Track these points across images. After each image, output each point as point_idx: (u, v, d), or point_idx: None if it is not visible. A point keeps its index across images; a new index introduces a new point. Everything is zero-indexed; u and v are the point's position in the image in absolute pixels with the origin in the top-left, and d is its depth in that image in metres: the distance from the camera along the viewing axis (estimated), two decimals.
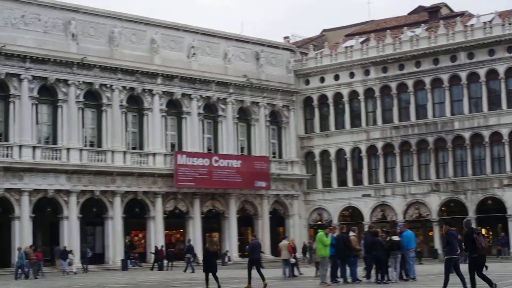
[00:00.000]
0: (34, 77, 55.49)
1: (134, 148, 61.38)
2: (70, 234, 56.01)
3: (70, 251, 53.10)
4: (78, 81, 57.60)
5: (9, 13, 54.98)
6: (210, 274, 28.77)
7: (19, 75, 54.73)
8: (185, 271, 50.39)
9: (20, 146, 54.29)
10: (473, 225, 24.06)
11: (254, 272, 29.49)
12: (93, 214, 58.86)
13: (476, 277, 21.21)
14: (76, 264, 53.24)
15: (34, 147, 54.98)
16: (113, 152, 59.01)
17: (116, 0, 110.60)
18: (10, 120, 54.48)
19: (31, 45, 55.36)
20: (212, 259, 29.15)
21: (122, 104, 60.10)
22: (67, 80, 57.03)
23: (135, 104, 61.58)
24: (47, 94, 56.77)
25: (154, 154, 61.50)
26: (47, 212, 56.65)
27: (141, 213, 61.50)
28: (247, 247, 37.30)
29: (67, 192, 56.31)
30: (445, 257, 22.87)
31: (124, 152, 59.79)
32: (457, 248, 22.89)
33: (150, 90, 61.88)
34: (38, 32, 56.25)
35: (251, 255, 30.90)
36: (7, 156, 53.66)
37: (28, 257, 47.09)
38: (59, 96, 56.84)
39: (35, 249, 49.29)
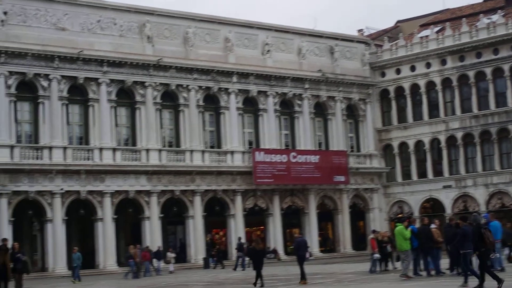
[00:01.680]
0: (112, 81, 55.51)
1: (212, 147, 60.94)
2: (152, 234, 55.91)
3: (169, 250, 52.99)
4: (155, 83, 57.44)
5: (85, 18, 55.12)
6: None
7: (97, 79, 54.83)
8: (235, 269, 49.92)
9: (101, 149, 54.39)
10: (481, 221, 23.86)
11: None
12: (174, 213, 58.66)
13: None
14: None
15: (114, 149, 55.01)
16: (191, 151, 58.65)
17: (189, 1, 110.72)
18: (90, 123, 54.63)
19: (107, 49, 55.40)
20: (260, 257, 30.10)
21: (199, 104, 59.70)
22: (144, 82, 56.92)
23: (211, 103, 61.10)
24: (125, 96, 56.75)
25: (232, 152, 60.92)
26: (129, 213, 56.73)
27: (221, 211, 61.03)
28: (293, 244, 37.82)
29: (148, 193, 56.22)
30: (461, 252, 23.12)
31: (203, 151, 59.38)
32: (469, 242, 22.64)
33: (226, 89, 61.31)
34: (114, 36, 56.27)
35: (298, 252, 31.04)
36: (88, 159, 53.83)
37: (133, 257, 46.92)
38: (136, 98, 56.76)
39: (143, 249, 49.38)
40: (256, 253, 30.63)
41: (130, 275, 46.33)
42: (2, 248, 28.03)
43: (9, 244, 31.08)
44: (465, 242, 22.79)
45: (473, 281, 22.31)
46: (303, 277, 29.76)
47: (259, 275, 29.56)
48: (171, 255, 52.52)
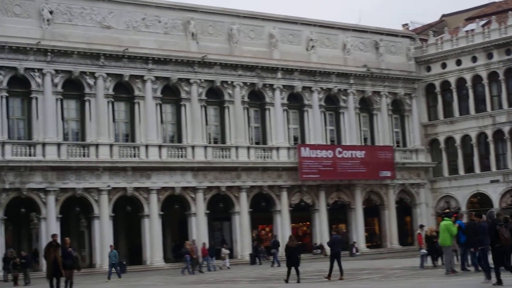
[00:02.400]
0: (157, 78, 55.08)
1: (257, 143, 60.20)
2: (199, 230, 55.39)
3: (224, 246, 52.52)
4: (200, 80, 56.89)
5: (130, 16, 54.77)
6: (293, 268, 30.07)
7: (142, 76, 54.45)
8: (272, 265, 49.33)
9: (147, 146, 54.00)
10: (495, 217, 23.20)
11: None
12: (220, 209, 58.00)
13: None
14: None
15: (160, 146, 54.59)
16: (237, 148, 57.99)
17: None
18: (136, 120, 54.27)
19: (152, 46, 55.01)
20: (295, 254, 30.56)
21: (243, 100, 59.00)
22: (189, 79, 56.40)
23: (256, 99, 60.36)
24: (170, 93, 56.28)
25: (277, 148, 60.09)
26: (175, 209, 56.24)
27: (267, 207, 60.22)
28: (328, 241, 38.00)
29: (194, 189, 55.69)
30: (479, 249, 23.15)
31: (248, 148, 58.66)
32: (486, 239, 22.42)
33: (271, 85, 60.52)
34: (158, 34, 55.83)
35: (333, 249, 31.25)
36: (134, 156, 53.49)
37: (189, 253, 46.39)
38: (181, 95, 56.26)
39: (202, 244, 49.05)
40: (289, 250, 30.96)
41: (186, 271, 45.68)
42: (52, 244, 27.34)
43: (59, 239, 30.68)
44: (484, 238, 22.55)
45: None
46: (331, 273, 30.05)
47: (292, 272, 30.05)
48: (225, 251, 51.96)
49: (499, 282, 21.01)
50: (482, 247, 22.79)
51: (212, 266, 48.66)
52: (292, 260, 30.49)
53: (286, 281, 29.95)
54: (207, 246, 49.47)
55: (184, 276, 43.91)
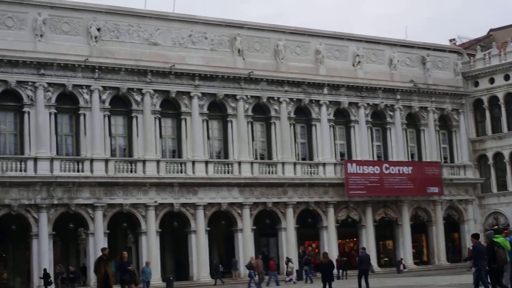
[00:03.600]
0: (204, 94, 54.38)
1: (304, 159, 59.09)
2: (245, 246, 54.43)
3: (290, 261, 51.63)
4: (246, 96, 56.07)
5: (177, 33, 54.24)
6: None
7: (189, 92, 53.81)
8: (305, 282, 48.94)
9: (193, 162, 53.26)
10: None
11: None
12: (267, 225, 56.90)
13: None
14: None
15: (206, 162, 53.81)
16: (283, 163, 56.94)
17: (280, 13, 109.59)
18: (183, 136, 53.62)
19: (199, 63, 54.37)
20: (328, 270, 31.86)
21: (290, 116, 57.99)
22: (235, 95, 55.63)
23: (303, 115, 59.30)
24: (217, 109, 55.52)
25: (324, 164, 58.90)
26: (221, 225, 55.36)
27: (313, 223, 58.97)
28: (357, 259, 38.86)
29: (240, 205, 54.77)
30: (475, 268, 23.57)
31: (294, 163, 57.59)
32: (482, 260, 22.85)
33: (317, 101, 59.42)
34: (205, 50, 55.18)
35: (360, 266, 32.05)
36: (181, 172, 52.77)
37: (254, 268, 45.51)
38: (228, 111, 55.48)
39: (270, 258, 48.54)
40: (322, 267, 32.28)
41: (253, 286, 44.67)
42: (102, 258, 25.99)
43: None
44: (479, 259, 22.95)
45: None
46: None
47: (326, 287, 31.43)
48: (292, 265, 50.95)
49: None
50: (478, 268, 23.12)
51: (277, 281, 47.88)
52: (326, 276, 31.54)
53: None
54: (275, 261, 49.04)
55: None
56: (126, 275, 27.59)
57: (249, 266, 45.95)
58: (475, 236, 24.22)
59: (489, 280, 22.76)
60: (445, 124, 67.28)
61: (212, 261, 54.01)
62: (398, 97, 63.66)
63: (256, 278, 45.50)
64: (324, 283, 31.43)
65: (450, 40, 79.11)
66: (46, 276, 45.62)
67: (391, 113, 63.37)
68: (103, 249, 27.20)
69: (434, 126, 65.77)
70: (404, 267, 59.36)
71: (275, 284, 47.39)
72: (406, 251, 62.07)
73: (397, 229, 62.81)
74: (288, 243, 56.36)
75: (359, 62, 62.32)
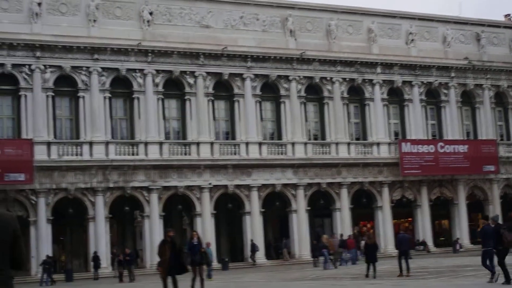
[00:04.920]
0: (256, 76, 53.54)
1: (357, 139, 57.92)
2: (300, 227, 53.69)
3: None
4: (299, 76, 55.06)
5: (229, 15, 53.45)
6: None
7: (241, 74, 53.03)
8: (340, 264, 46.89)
9: (247, 144, 52.56)
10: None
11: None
12: (321, 206, 56.00)
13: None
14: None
15: (260, 144, 53.06)
16: (337, 144, 55.90)
17: None
18: (236, 118, 52.93)
19: (251, 44, 53.51)
20: (372, 251, 31.70)
21: (343, 96, 56.82)
22: (288, 76, 54.66)
23: (356, 95, 58.06)
24: (269, 91, 54.66)
25: (378, 144, 57.66)
26: (276, 206, 54.62)
27: (368, 203, 57.86)
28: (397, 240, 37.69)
29: (294, 186, 53.94)
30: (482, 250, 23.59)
31: (348, 143, 56.49)
32: (490, 241, 22.94)
33: (370, 80, 58.11)
34: (257, 31, 54.29)
35: (400, 247, 31.75)
36: (235, 154, 52.14)
37: (327, 247, 44.87)
38: (281, 92, 54.57)
39: (354, 236, 47.87)
40: (368, 247, 32.35)
41: (328, 265, 44.00)
42: (167, 240, 24.28)
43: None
44: (485, 240, 23.15)
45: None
46: (402, 271, 30.39)
47: (370, 268, 31.06)
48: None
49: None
50: (484, 249, 23.24)
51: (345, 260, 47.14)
52: (370, 257, 31.40)
53: (367, 275, 30.69)
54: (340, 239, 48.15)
55: (327, 270, 41.94)
56: (197, 256, 26.42)
57: (322, 246, 45.28)
58: (485, 218, 24.71)
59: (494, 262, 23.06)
60: (501, 101, 65.28)
61: (269, 242, 53.51)
62: (453, 74, 61.89)
63: (331, 257, 44.72)
64: (368, 264, 31.30)
65: (505, 16, 76.61)
66: (96, 258, 45.66)
67: (445, 91, 61.67)
68: (168, 231, 25.97)
69: (490, 104, 63.84)
70: (461, 247, 57.95)
71: (350, 263, 46.41)
72: (462, 231, 60.58)
73: (453, 208, 61.29)
74: (343, 224, 55.39)
75: (412, 40, 60.73)
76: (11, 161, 44.41)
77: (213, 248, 49.37)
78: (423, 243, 57.38)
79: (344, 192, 55.73)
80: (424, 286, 26.33)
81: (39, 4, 47.14)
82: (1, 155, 44.38)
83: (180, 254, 24.00)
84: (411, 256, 34.80)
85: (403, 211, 60.25)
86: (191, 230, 30.28)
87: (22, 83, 46.66)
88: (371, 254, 31.54)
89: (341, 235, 50.24)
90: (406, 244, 31.91)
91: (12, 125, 47.17)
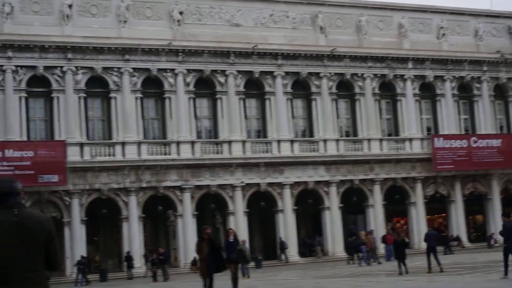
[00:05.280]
0: (287, 73, 52.74)
1: (389, 135, 56.87)
2: (333, 224, 52.84)
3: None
4: (330, 73, 54.15)
5: (259, 13, 52.70)
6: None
7: (272, 72, 52.26)
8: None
9: (279, 141, 51.80)
10: None
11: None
12: (354, 203, 55.06)
13: None
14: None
15: (291, 141, 52.28)
16: (369, 140, 54.92)
17: None
18: (267, 116, 52.18)
19: (281, 42, 52.71)
20: (401, 248, 31.60)
21: (374, 92, 55.80)
22: (318, 73, 53.78)
23: (387, 91, 56.98)
24: (301, 88, 53.83)
25: (410, 139, 56.55)
26: (308, 204, 53.80)
27: (401, 199, 56.81)
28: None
29: (327, 183, 53.08)
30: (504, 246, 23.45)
31: (380, 140, 55.47)
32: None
33: (402, 75, 56.99)
34: (287, 29, 53.49)
35: (428, 243, 31.44)
36: (266, 152, 51.42)
37: (366, 244, 44.24)
38: (312, 89, 53.70)
39: (388, 232, 46.61)
40: (395, 244, 32.45)
41: (363, 262, 43.21)
42: (204, 238, 23.30)
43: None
44: (508, 237, 22.89)
45: None
46: (431, 267, 29.93)
47: (401, 264, 30.81)
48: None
49: None
50: (506, 245, 23.10)
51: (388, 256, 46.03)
52: (398, 254, 31.47)
53: (400, 273, 30.31)
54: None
55: (361, 267, 41.38)
56: (233, 254, 25.63)
57: (361, 242, 44.48)
58: (506, 215, 24.17)
59: None
60: None
61: (300, 240, 52.81)
62: (485, 68, 60.52)
63: (366, 254, 43.96)
64: (398, 261, 31.28)
65: None
66: (128, 258, 45.31)
67: (478, 85, 60.33)
68: (204, 228, 25.00)
69: None
70: (495, 242, 56.55)
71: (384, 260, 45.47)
72: (496, 226, 59.07)
73: (486, 203, 59.96)
74: (376, 220, 54.43)
75: (443, 34, 59.48)
76: (44, 163, 44.15)
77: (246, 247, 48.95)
78: (457, 239, 56.22)
79: (377, 189, 54.77)
80: (459, 281, 25.56)
81: (70, 6, 46.80)
82: (35, 157, 44.13)
83: (219, 252, 23.35)
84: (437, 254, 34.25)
85: (437, 207, 59.07)
86: (226, 228, 29.40)
87: (54, 85, 46.36)
88: (399, 251, 31.54)
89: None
90: (434, 240, 31.74)
91: (45, 127, 46.90)
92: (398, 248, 31.90)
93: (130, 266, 45.42)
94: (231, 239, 26.08)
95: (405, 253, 31.49)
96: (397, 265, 31.29)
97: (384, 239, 46.21)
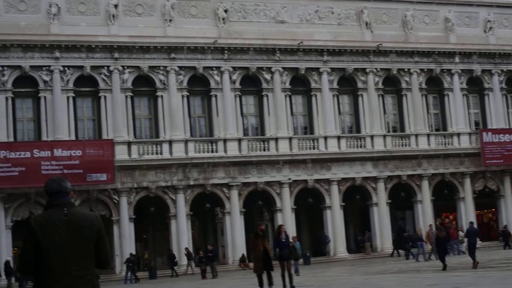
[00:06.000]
0: (333, 69, 50.83)
1: (437, 130, 54.53)
2: (381, 220, 50.80)
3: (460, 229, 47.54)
4: (376, 69, 52.07)
5: (304, 10, 50.89)
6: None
7: (318, 68, 50.40)
8: (407, 259, 43.96)
9: (325, 138, 49.93)
10: None
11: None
12: (402, 198, 52.90)
13: None
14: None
15: (338, 137, 50.36)
16: (416, 135, 52.70)
17: None
18: (314, 113, 50.34)
19: (327, 38, 50.82)
20: (443, 244, 31.06)
21: (421, 87, 53.54)
22: (364, 69, 51.75)
23: (434, 85, 54.66)
24: (347, 84, 51.89)
25: (458, 134, 54.14)
26: (356, 200, 51.84)
27: (450, 194, 54.44)
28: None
29: (375, 179, 51.05)
30: None
31: (428, 135, 53.20)
32: None
33: (449, 70, 54.62)
34: (332, 25, 51.56)
35: (469, 239, 31.02)
36: (313, 148, 49.58)
37: (423, 239, 42.77)
38: (358, 85, 51.71)
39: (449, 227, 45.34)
40: (438, 241, 31.77)
41: (421, 257, 41.29)
42: (259, 234, 22.28)
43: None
44: None
45: None
46: (476, 262, 29.19)
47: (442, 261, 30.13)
48: (462, 234, 47.02)
49: None
50: None
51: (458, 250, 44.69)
52: (440, 249, 30.99)
53: (444, 269, 29.19)
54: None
55: (419, 262, 39.48)
56: (285, 251, 24.21)
57: (418, 237, 42.63)
58: None
59: None
60: None
61: (349, 236, 50.96)
62: None
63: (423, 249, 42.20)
64: (440, 257, 30.83)
65: None
66: (171, 257, 44.27)
67: None
68: (258, 225, 23.48)
69: None
70: None
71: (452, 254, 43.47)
72: None
73: None
74: (425, 216, 52.16)
75: (490, 28, 56.89)
76: (93, 162, 43.06)
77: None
78: (508, 234, 53.67)
79: (425, 184, 52.54)
80: (508, 277, 23.76)
81: (116, 6, 45.58)
82: (83, 156, 43.05)
83: (267, 250, 22.07)
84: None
85: (486, 202, 56.42)
86: (278, 225, 27.88)
87: (101, 84, 45.18)
88: (442, 247, 31.12)
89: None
90: (474, 236, 31.33)
91: (93, 126, 45.76)
92: (440, 244, 31.41)
93: (174, 264, 44.10)
94: (283, 236, 24.83)
95: (447, 249, 31.69)
96: (441, 261, 30.62)
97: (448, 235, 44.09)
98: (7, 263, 40.10)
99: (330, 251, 49.51)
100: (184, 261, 44.94)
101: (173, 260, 44.27)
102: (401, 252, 46.60)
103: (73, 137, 44.35)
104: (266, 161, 47.96)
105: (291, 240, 29.72)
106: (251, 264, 44.34)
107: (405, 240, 45.73)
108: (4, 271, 40.25)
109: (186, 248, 44.89)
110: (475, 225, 43.24)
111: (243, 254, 45.75)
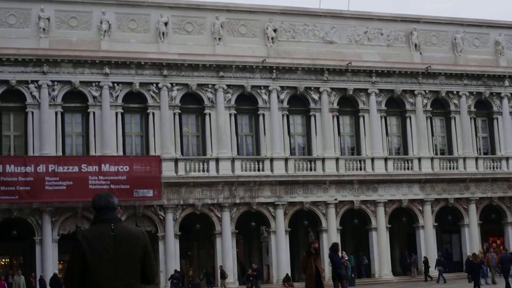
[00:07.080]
0: (381, 90, 48.10)
1: (485, 153, 51.29)
2: (427, 242, 47.66)
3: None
4: (424, 91, 49.17)
5: (353, 30, 48.34)
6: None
7: (366, 89, 47.72)
8: (437, 282, 42.34)
9: (372, 159, 47.11)
10: None
11: None
12: (449, 222, 49.67)
13: None
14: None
15: (385, 159, 47.50)
16: (464, 158, 49.51)
17: (455, 6, 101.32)
18: (361, 133, 47.62)
19: (375, 59, 48.15)
20: (474, 270, 31.20)
21: (470, 110, 50.44)
22: (413, 91, 48.90)
23: (483, 109, 51.46)
24: (395, 105, 49.08)
25: (507, 158, 50.71)
26: (402, 222, 48.83)
27: (497, 219, 51.05)
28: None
29: (421, 201, 47.98)
30: None
31: (476, 158, 49.98)
32: None
33: (498, 93, 51.39)
34: (381, 46, 48.88)
35: (502, 265, 30.57)
36: (360, 169, 46.78)
37: (483, 263, 39.76)
38: (406, 107, 48.85)
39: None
40: (471, 266, 31.97)
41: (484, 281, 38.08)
42: (312, 252, 20.26)
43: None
44: None
45: None
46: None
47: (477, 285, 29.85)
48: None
49: None
50: None
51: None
52: (473, 275, 31.24)
53: None
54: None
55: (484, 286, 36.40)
56: (343, 270, 21.83)
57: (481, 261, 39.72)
58: None
59: None
60: None
61: (394, 258, 47.91)
62: None
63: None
64: (474, 282, 30.55)
65: None
66: (207, 275, 41.83)
67: None
68: (311, 242, 21.13)
69: None
70: None
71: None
72: None
73: None
74: (472, 240, 48.84)
75: None
76: (140, 178, 41.02)
77: None
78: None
79: (472, 208, 49.26)
80: None
81: (166, 23, 43.66)
82: (131, 172, 41.02)
83: (319, 269, 20.23)
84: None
85: None
86: (332, 243, 25.46)
87: (150, 101, 43.17)
88: (475, 273, 30.88)
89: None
90: (508, 262, 30.60)
91: (141, 142, 43.72)
92: (474, 270, 31.28)
93: (210, 283, 41.67)
94: (339, 255, 22.67)
95: (479, 276, 30.71)
96: (473, 286, 30.44)
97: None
98: (54, 275, 38.32)
99: (375, 273, 46.48)
100: (231, 278, 42.51)
101: (209, 279, 41.75)
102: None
103: (120, 153, 42.39)
104: (313, 181, 45.35)
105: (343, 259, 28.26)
106: (296, 284, 42.03)
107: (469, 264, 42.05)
108: (51, 285, 38.46)
109: (221, 267, 42.41)
110: None
111: (287, 274, 43.06)
